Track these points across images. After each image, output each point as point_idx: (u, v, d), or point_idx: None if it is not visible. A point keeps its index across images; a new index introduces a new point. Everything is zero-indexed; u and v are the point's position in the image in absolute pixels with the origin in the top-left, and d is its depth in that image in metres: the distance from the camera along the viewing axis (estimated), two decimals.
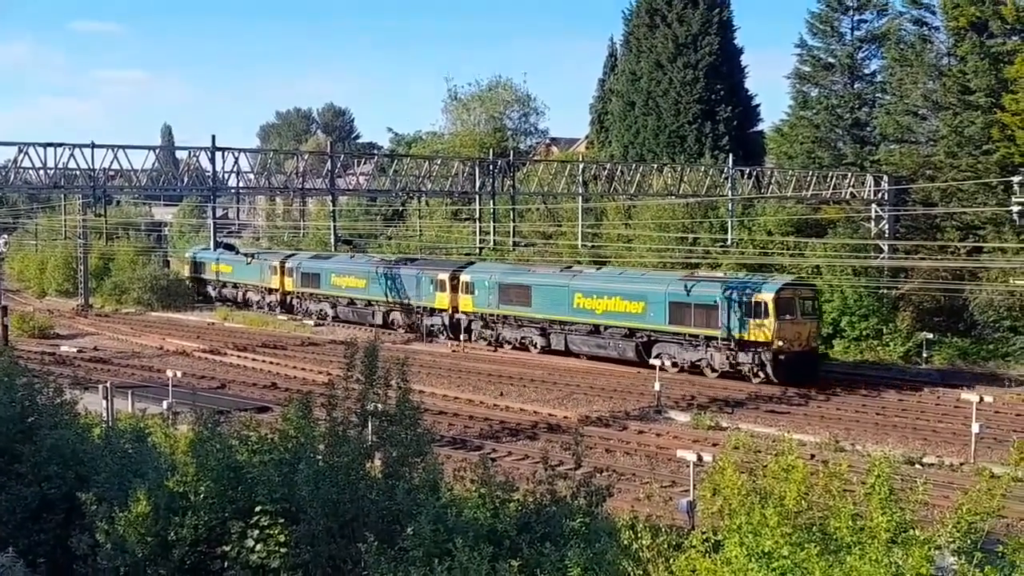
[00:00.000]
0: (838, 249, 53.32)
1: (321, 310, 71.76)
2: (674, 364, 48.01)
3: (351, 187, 58.38)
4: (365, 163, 59.58)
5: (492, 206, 50.83)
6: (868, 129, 63.59)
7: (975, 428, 32.28)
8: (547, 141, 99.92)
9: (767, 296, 44.56)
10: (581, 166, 52.68)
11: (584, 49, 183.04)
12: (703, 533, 11.47)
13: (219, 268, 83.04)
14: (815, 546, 10.21)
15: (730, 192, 52.78)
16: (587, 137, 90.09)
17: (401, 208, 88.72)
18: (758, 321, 44.66)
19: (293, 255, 77.28)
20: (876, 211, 56.60)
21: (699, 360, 47.72)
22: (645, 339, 49.79)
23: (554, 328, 53.97)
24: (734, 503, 11.30)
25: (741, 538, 10.39)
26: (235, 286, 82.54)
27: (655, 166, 54.29)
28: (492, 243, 51.41)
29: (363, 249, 77.97)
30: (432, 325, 62.02)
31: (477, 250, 55.25)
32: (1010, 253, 48.83)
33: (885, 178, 56.60)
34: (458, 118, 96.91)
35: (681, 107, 68.86)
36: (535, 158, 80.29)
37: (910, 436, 35.99)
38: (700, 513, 17.39)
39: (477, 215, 52.06)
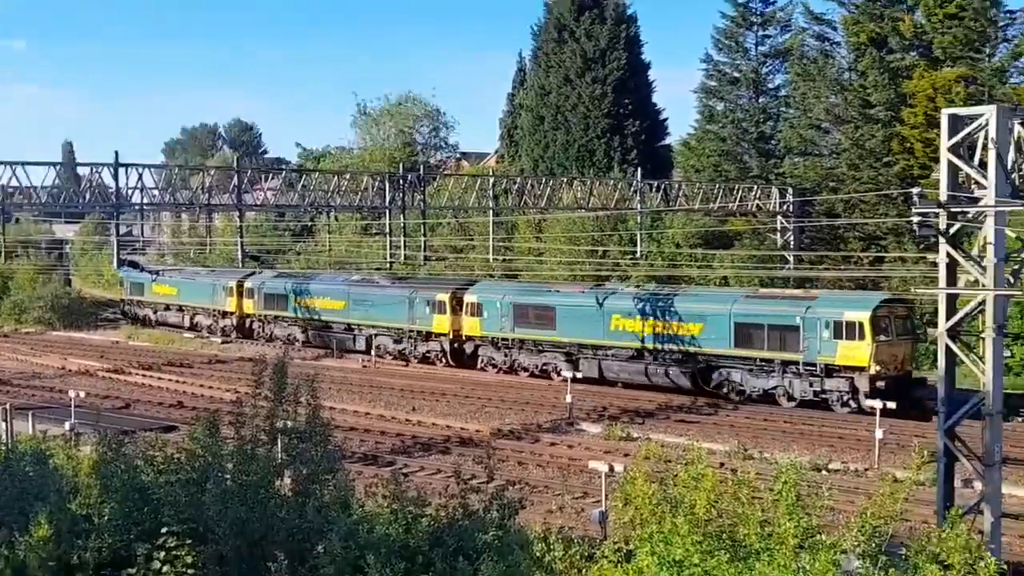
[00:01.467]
0: (745, 260, 54.13)
1: (289, 335, 65.58)
2: (739, 392, 44.15)
3: (259, 202, 57.65)
4: (273, 178, 58.68)
5: (403, 220, 50.66)
6: (773, 142, 64.81)
7: (879, 434, 32.96)
8: (457, 155, 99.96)
9: (862, 315, 40.08)
10: (491, 180, 52.87)
11: (493, 64, 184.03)
12: (615, 543, 11.51)
13: (161, 290, 75.99)
14: (725, 553, 10.30)
15: (639, 205, 53.34)
16: (497, 151, 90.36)
17: (310, 223, 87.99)
18: (851, 343, 40.02)
19: (253, 274, 70.61)
20: (782, 223, 57.62)
21: (774, 388, 43.08)
22: (703, 365, 45.40)
23: (584, 353, 49.13)
24: (645, 512, 11.36)
25: (652, 547, 10.44)
26: (180, 309, 74.73)
27: (565, 180, 54.67)
28: (403, 257, 51.19)
29: (271, 265, 76.77)
30: (429, 351, 56.27)
31: (388, 264, 54.87)
32: (910, 263, 50.06)
33: (790, 190, 57.67)
34: (367, 133, 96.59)
35: (590, 121, 69.44)
36: (445, 172, 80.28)
37: (816, 443, 36.58)
38: (612, 523, 17.46)
39: (387, 230, 51.87)
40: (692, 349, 44.95)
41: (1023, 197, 19.86)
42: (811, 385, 41.29)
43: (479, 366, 53.34)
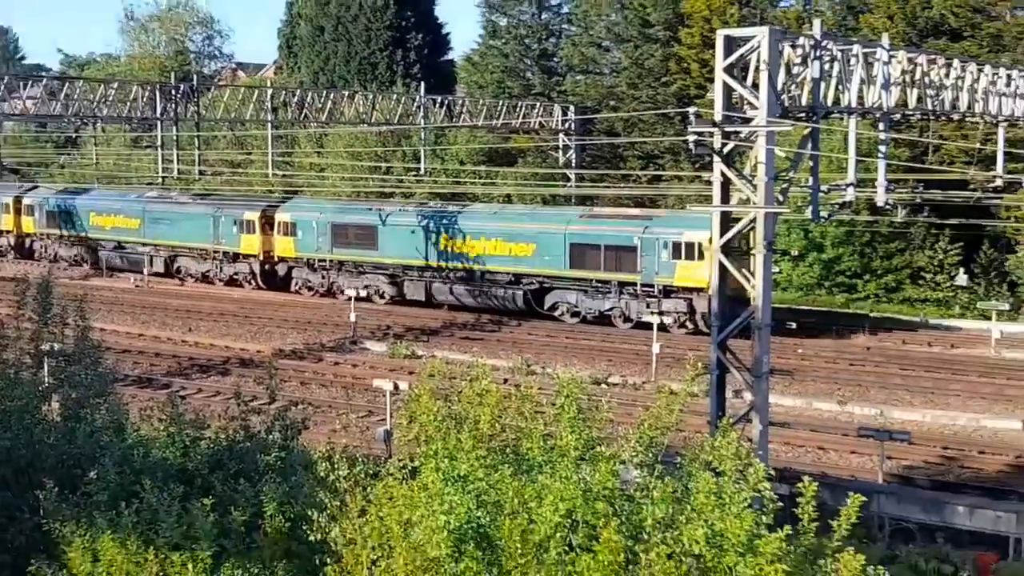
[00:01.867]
0: (528, 178, 54.64)
1: (76, 255, 62.21)
2: (575, 314, 43.65)
3: (17, 112, 54.16)
4: (33, 86, 55.11)
5: (175, 133, 48.65)
6: (556, 60, 65.38)
7: (655, 349, 34.15)
8: (233, 66, 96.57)
9: (702, 235, 38.22)
10: (270, 92, 51.19)
11: None
12: (400, 460, 11.44)
13: None
14: (509, 467, 10.37)
15: (422, 121, 52.91)
16: (276, 63, 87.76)
17: (75, 135, 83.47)
18: (690, 263, 39.40)
19: (33, 189, 66.86)
20: (564, 140, 58.35)
21: (610, 309, 42.60)
22: (536, 286, 44.49)
23: (410, 275, 47.73)
24: (430, 430, 11.30)
25: (437, 463, 10.41)
26: None
27: (346, 93, 53.56)
28: (176, 172, 49.22)
29: (31, 179, 72.49)
30: (236, 274, 53.74)
31: (160, 179, 52.60)
32: (686, 181, 51.65)
33: (572, 108, 58.37)
34: (136, 40, 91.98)
35: (372, 34, 68.17)
36: (221, 83, 77.44)
37: (597, 358, 37.64)
38: (397, 441, 17.44)
39: (159, 142, 49.64)
40: (526, 270, 44.10)
41: (793, 117, 20.61)
42: (648, 307, 40.41)
43: (293, 289, 51.22)
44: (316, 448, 13.95)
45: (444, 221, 46.33)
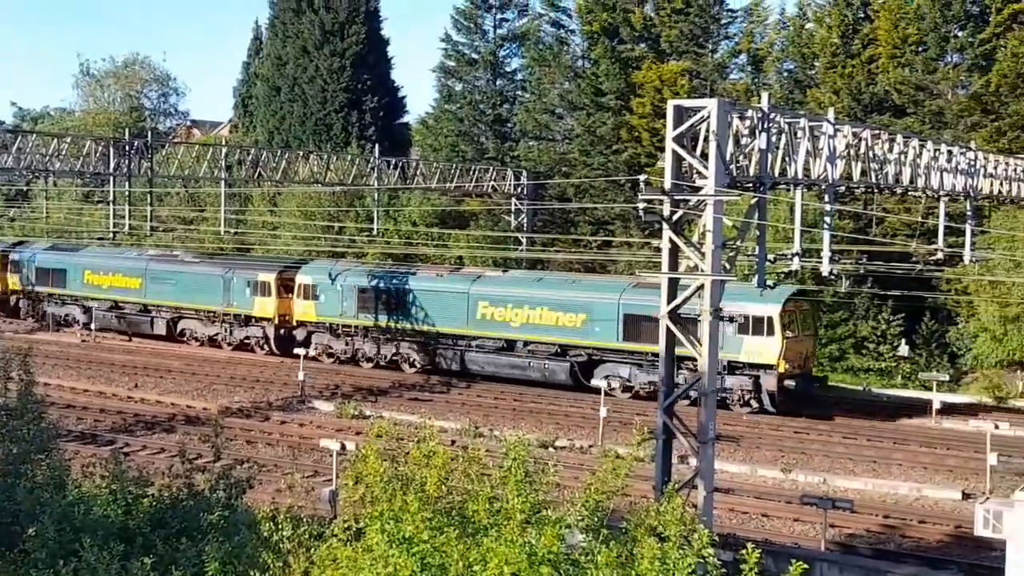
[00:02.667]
0: (480, 240, 54.91)
1: (68, 315, 59.36)
2: (626, 388, 41.29)
3: None
4: None
5: (128, 188, 48.45)
6: (509, 125, 66.02)
7: (603, 412, 34.27)
8: (188, 123, 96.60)
9: (772, 309, 37.47)
10: (224, 150, 51.22)
11: (228, 30, 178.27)
12: (345, 522, 11.42)
13: None
14: (454, 529, 10.39)
15: (376, 182, 53.09)
16: (231, 121, 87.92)
17: (26, 188, 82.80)
18: (758, 339, 37.75)
19: (21, 244, 64.12)
20: (516, 204, 58.78)
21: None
22: (585, 358, 42.20)
23: (443, 343, 45.53)
24: (376, 490, 11.31)
25: (382, 525, 10.41)
26: None
27: (301, 153, 53.68)
28: (127, 227, 48.94)
29: None
30: (248, 337, 51.26)
31: (111, 235, 52.19)
32: (635, 247, 52.16)
33: (524, 173, 58.89)
34: (91, 95, 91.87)
35: (328, 95, 68.53)
36: (175, 140, 77.34)
37: (545, 421, 37.68)
38: (343, 502, 17.35)
39: (111, 197, 49.38)
40: (574, 341, 41.85)
41: (740, 187, 21.01)
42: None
43: (312, 354, 47.55)
44: (260, 508, 13.90)
45: (483, 287, 44.43)
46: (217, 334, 52.68)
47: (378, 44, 71.98)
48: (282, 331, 49.96)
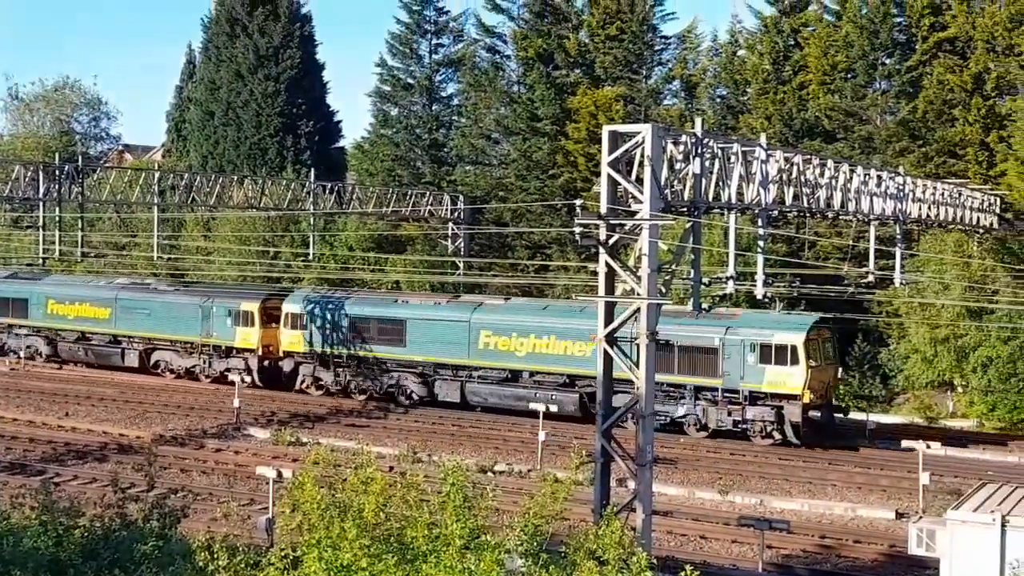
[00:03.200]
0: (417, 265, 54.82)
1: (30, 346, 56.03)
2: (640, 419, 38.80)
3: None
4: None
5: (58, 214, 47.76)
6: (446, 150, 66.08)
7: (541, 436, 34.30)
8: (120, 148, 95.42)
9: (796, 338, 36.52)
10: (157, 175, 50.72)
11: (160, 54, 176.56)
12: (282, 550, 11.30)
13: None
14: (393, 556, 10.33)
15: (312, 207, 52.84)
16: (164, 145, 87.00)
17: None
18: (782, 368, 36.40)
19: None
20: (453, 229, 58.79)
21: (683, 416, 38.40)
22: (594, 389, 39.69)
23: (442, 374, 43.66)
24: (313, 518, 11.22)
25: (320, 552, 10.33)
26: None
27: (235, 178, 53.28)
28: (58, 252, 48.19)
29: None
30: (229, 369, 46.97)
31: (41, 260, 51.33)
32: (572, 271, 52.40)
33: (461, 198, 58.95)
34: (20, 119, 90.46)
35: (262, 119, 68.12)
36: (107, 165, 76.36)
37: (483, 445, 37.60)
38: (280, 530, 17.17)
39: (41, 223, 48.64)
40: (583, 371, 39.12)
41: (675, 212, 21.23)
42: (730, 414, 37.40)
43: (299, 387, 46.36)
44: (195, 537, 13.70)
45: (484, 315, 42.70)
46: (195, 366, 50.12)
47: (313, 68, 71.78)
48: (266, 362, 47.96)
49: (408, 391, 44.62)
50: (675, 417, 38.29)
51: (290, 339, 46.97)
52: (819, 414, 37.54)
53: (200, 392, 47.30)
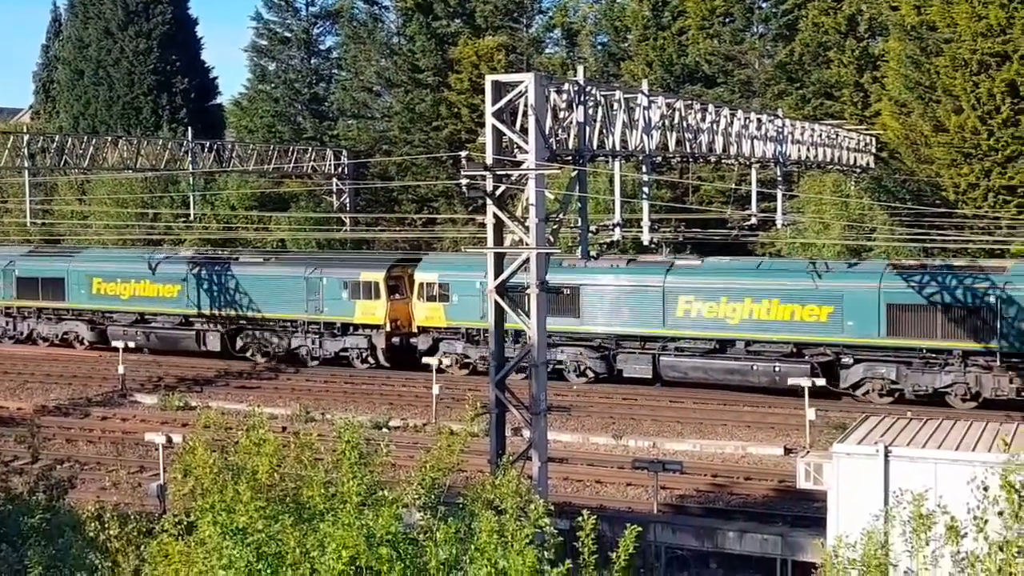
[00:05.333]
0: (302, 223, 54.12)
1: (67, 332, 50.15)
2: (890, 392, 34.94)
3: None
4: None
5: None
6: (327, 104, 65.13)
7: (435, 390, 34.30)
8: None
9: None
10: (26, 138, 48.92)
11: (24, 11, 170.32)
12: (175, 516, 11.10)
13: None
14: (289, 517, 10.21)
15: (191, 166, 51.61)
16: (32, 107, 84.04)
17: None
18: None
19: None
20: (337, 184, 58.10)
21: (949, 386, 33.88)
22: (832, 358, 35.71)
23: (625, 347, 38.57)
24: (206, 482, 11.04)
25: (214, 517, 10.15)
26: None
27: (109, 139, 51.71)
28: None
29: None
30: (346, 350, 43.18)
31: None
32: (460, 224, 52.27)
33: (345, 152, 58.24)
34: None
35: (135, 77, 66.14)
36: None
37: (377, 402, 37.46)
38: (172, 496, 16.88)
39: None
40: (814, 338, 35.69)
41: (560, 161, 21.24)
42: (1011, 381, 33.23)
43: (439, 366, 36.75)
44: (85, 508, 13.36)
45: (681, 277, 37.61)
46: (300, 347, 44.71)
47: (186, 24, 69.85)
48: (394, 339, 43.19)
49: (582, 367, 39.48)
50: (936, 387, 34.15)
51: (427, 312, 41.73)
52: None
53: (83, 360, 46.01)
